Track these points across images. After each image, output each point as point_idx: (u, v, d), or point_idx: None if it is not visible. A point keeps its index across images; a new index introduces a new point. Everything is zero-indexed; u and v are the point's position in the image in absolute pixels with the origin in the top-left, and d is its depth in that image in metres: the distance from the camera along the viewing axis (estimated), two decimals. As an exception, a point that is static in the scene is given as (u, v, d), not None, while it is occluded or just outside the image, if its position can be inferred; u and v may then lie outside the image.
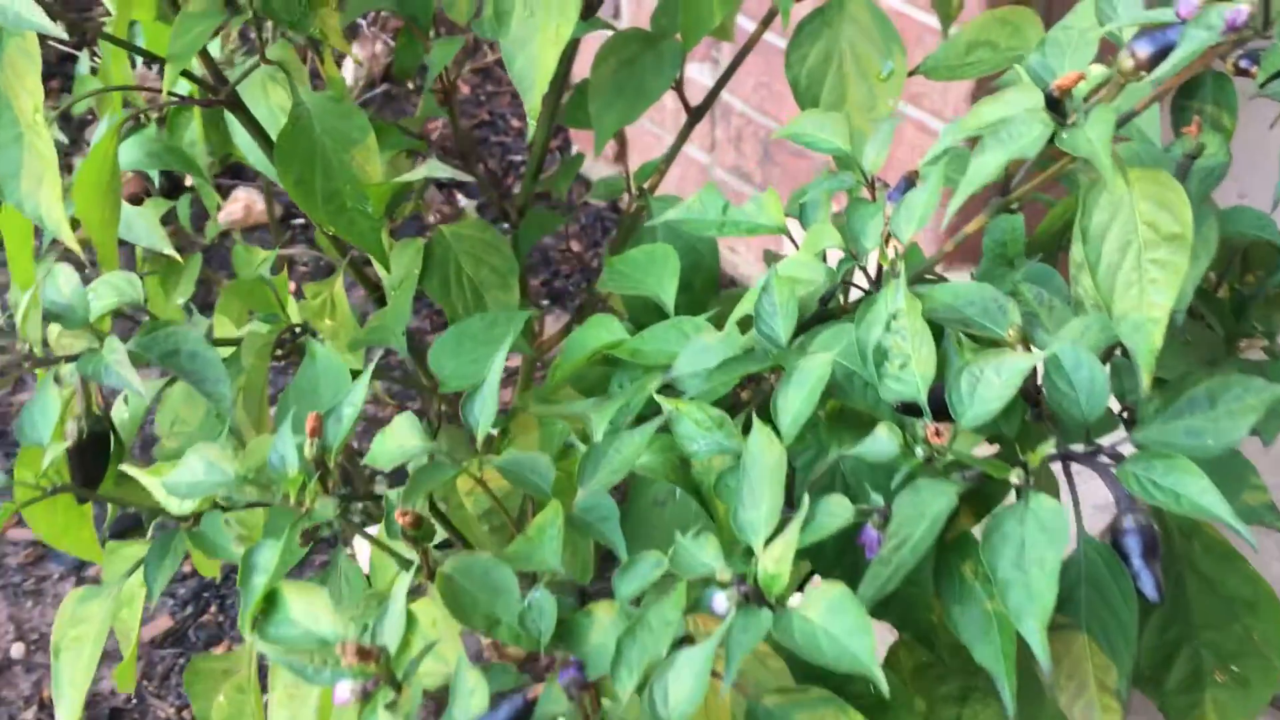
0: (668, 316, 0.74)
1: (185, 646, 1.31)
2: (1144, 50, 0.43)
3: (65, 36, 0.53)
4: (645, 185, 0.89)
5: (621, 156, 1.31)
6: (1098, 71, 0.49)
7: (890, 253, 0.52)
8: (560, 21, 0.70)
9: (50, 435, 0.51)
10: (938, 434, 0.41)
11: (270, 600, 0.42)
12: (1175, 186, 0.43)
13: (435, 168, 0.75)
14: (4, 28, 0.56)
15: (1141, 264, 0.43)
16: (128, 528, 0.52)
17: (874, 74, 0.76)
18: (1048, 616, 0.39)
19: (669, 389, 0.57)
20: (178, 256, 0.94)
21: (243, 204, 2.11)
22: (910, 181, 0.56)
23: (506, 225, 0.94)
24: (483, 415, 0.48)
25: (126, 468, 0.49)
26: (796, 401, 0.48)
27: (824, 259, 0.59)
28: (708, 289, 0.79)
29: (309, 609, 0.41)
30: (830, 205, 0.62)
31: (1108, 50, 0.52)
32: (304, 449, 0.44)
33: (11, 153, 0.58)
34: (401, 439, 0.47)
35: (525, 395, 0.71)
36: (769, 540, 0.39)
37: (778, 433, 0.47)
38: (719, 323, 0.62)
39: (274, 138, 0.81)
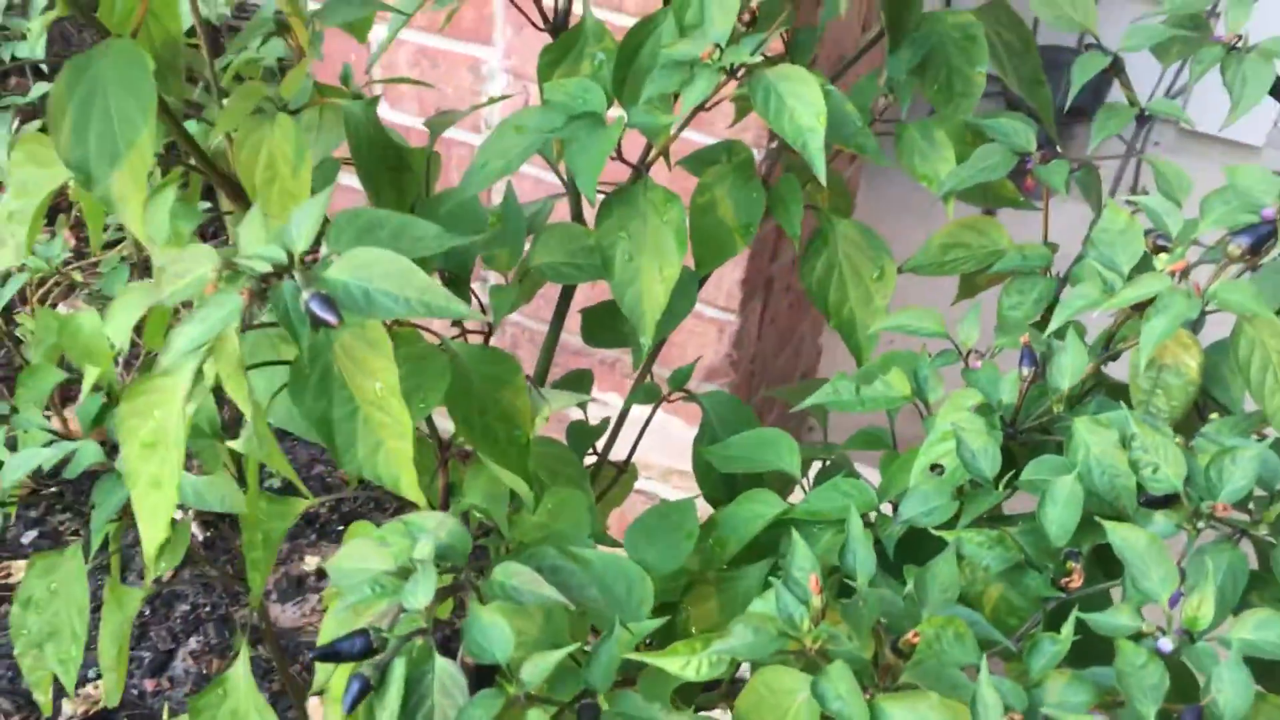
0: (764, 484, 0.89)
1: None
2: (1244, 242, 0.67)
3: (470, 315, 0.62)
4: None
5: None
6: (1167, 269, 0.72)
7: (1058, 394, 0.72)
8: (664, 264, 0.86)
9: (508, 654, 0.58)
10: (1225, 509, 0.60)
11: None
12: (1293, 325, 0.66)
13: (562, 398, 0.87)
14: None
15: (1279, 379, 0.66)
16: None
17: (867, 277, 0.96)
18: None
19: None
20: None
21: (-13, 482, 1.99)
22: (1029, 349, 0.76)
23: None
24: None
25: (641, 656, 0.58)
26: (1059, 514, 0.66)
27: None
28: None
29: None
30: (941, 378, 0.81)
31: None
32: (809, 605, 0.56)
33: (347, 428, 0.65)
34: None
35: (695, 568, 0.83)
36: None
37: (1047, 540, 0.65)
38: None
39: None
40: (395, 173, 0.81)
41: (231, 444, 0.68)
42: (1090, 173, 0.92)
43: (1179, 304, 0.67)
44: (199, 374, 0.69)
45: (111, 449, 1.01)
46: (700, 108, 0.88)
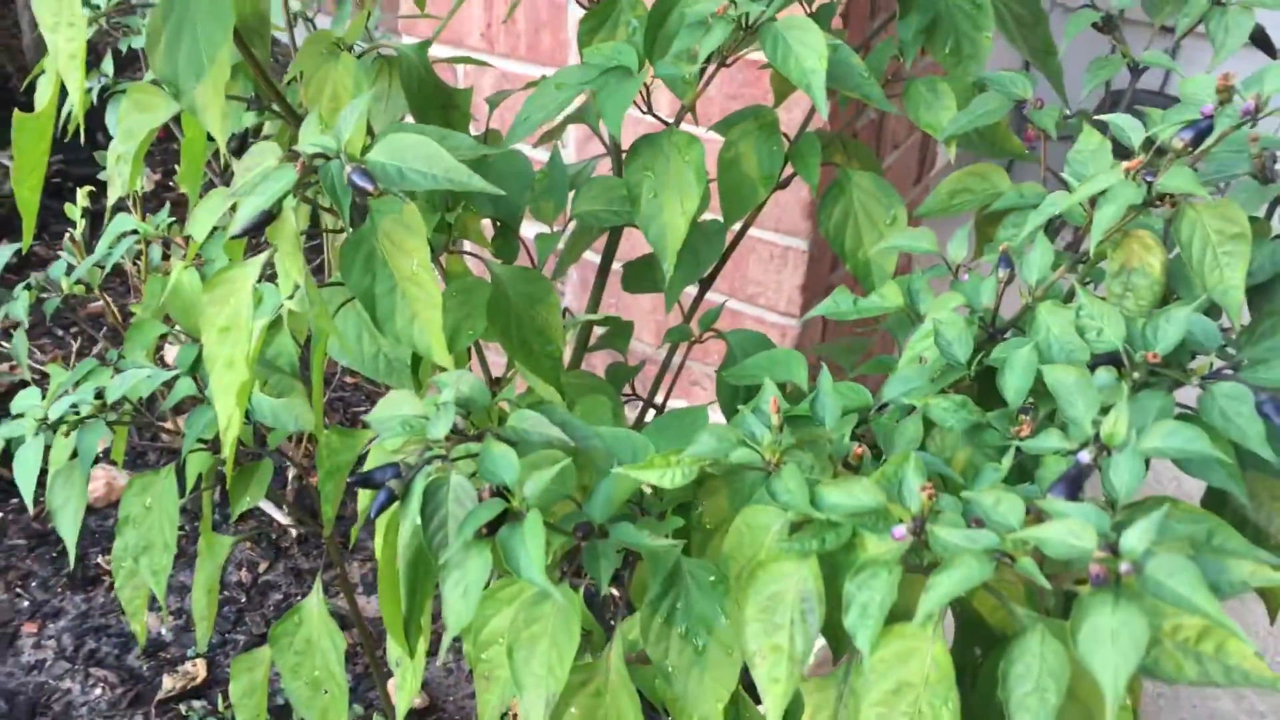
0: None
1: None
2: (1187, 135, 0.74)
3: (488, 188, 0.72)
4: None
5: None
6: (1122, 166, 0.79)
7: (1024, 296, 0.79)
8: (684, 198, 0.95)
9: (514, 477, 0.67)
10: (1155, 357, 0.67)
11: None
12: (1234, 206, 0.73)
13: (591, 317, 0.97)
14: (376, 209, 0.75)
15: (1217, 255, 0.72)
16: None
17: (881, 222, 1.05)
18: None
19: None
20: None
21: (104, 481, 2.14)
22: (1006, 255, 0.83)
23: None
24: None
25: (624, 469, 0.67)
26: (1015, 381, 0.73)
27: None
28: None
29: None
30: (933, 291, 0.88)
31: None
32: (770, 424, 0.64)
33: (387, 301, 0.76)
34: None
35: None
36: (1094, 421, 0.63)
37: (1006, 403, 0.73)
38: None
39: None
40: (444, 111, 0.92)
41: (289, 303, 0.79)
42: (1085, 120, 0.99)
43: (1126, 192, 0.74)
44: (267, 265, 0.80)
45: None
46: (723, 63, 0.98)
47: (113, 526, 2.13)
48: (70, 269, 1.46)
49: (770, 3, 0.92)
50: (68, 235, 1.57)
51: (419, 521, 0.66)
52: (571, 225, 1.09)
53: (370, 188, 0.68)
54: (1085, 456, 0.61)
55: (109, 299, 1.58)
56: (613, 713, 0.74)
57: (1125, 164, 0.76)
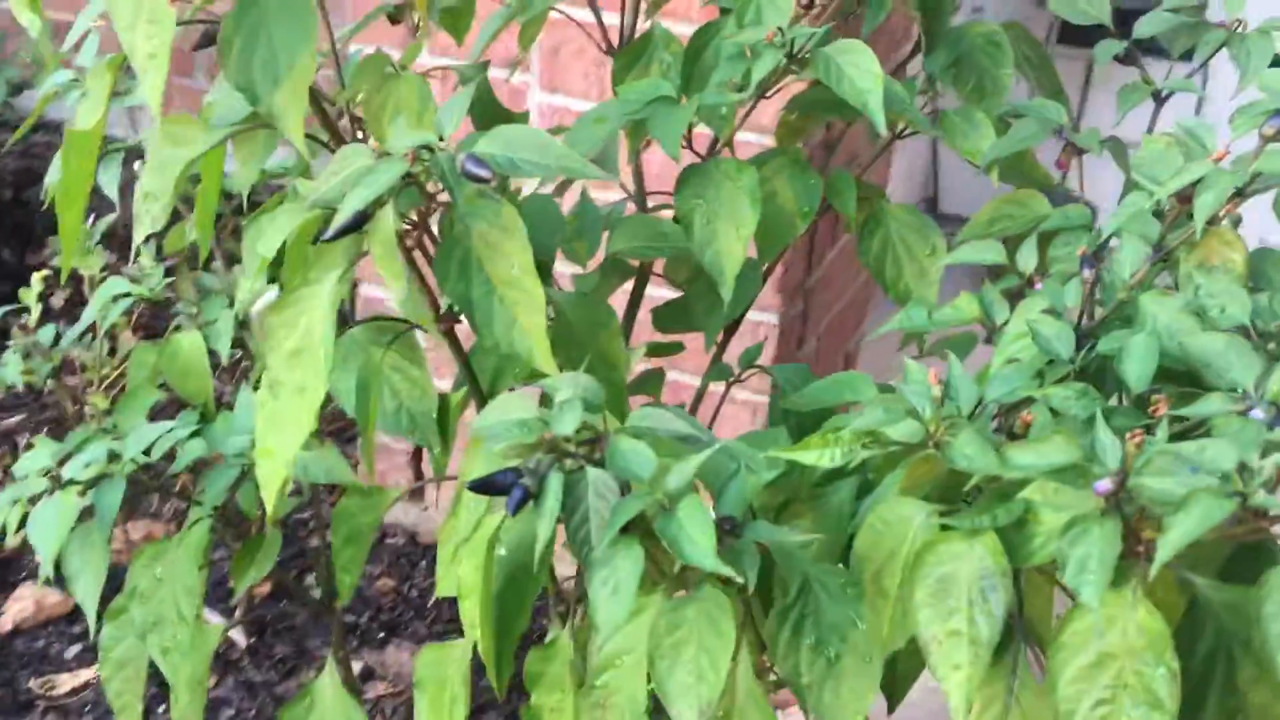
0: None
1: None
2: (1276, 124, 0.75)
3: (604, 175, 0.69)
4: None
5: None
6: (1209, 160, 0.80)
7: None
8: (739, 224, 0.94)
9: (651, 471, 0.63)
10: (1289, 325, 0.67)
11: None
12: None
13: (643, 351, 0.94)
14: (469, 212, 0.72)
15: (1321, 235, 0.73)
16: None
17: (920, 254, 1.04)
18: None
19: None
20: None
21: (32, 600, 2.01)
22: (1086, 258, 0.83)
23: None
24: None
25: (776, 452, 0.63)
26: (1137, 367, 0.72)
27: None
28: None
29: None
30: (1006, 302, 0.88)
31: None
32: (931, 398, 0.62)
33: (485, 305, 0.72)
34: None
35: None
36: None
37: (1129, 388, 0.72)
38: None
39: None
40: (501, 131, 0.90)
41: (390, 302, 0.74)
42: (1118, 144, 1.01)
43: (1225, 179, 0.75)
44: (340, 281, 0.76)
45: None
46: (763, 94, 0.98)
47: (41, 648, 1.99)
48: (27, 354, 1.37)
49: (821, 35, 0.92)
50: (18, 324, 1.49)
51: (558, 518, 0.62)
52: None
53: (487, 175, 0.65)
54: (1259, 413, 0.60)
55: (67, 386, 1.50)
56: (742, 734, 0.70)
57: (1215, 154, 0.77)
